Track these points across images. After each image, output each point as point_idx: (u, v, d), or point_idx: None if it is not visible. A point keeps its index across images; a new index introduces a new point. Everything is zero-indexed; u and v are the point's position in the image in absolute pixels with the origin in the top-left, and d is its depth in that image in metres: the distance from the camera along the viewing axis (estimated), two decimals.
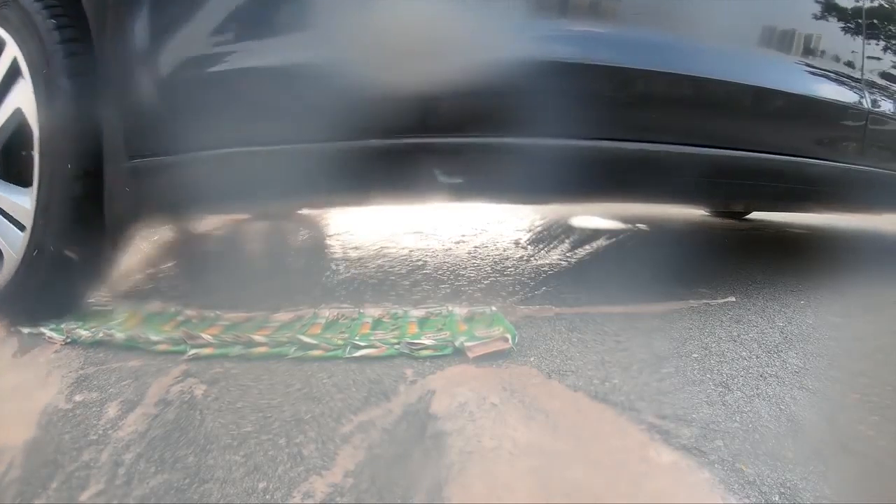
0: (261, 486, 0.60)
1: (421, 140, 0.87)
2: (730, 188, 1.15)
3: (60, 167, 0.88)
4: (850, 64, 1.27)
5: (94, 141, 0.87)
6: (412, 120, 0.84)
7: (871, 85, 1.30)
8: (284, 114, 0.83)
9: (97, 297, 1.08)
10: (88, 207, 0.89)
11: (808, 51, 1.19)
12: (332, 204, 1.51)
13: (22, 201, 0.95)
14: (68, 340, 0.90)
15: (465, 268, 1.34)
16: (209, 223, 2.02)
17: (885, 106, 1.35)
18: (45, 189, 0.89)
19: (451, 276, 1.27)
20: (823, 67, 1.21)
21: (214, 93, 0.82)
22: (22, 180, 0.96)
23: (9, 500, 0.59)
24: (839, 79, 1.24)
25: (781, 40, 1.15)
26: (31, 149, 0.91)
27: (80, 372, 0.81)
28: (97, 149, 0.87)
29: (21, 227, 0.95)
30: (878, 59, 1.34)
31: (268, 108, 0.83)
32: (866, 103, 1.28)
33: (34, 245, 0.91)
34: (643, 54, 0.94)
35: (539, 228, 1.92)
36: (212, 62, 0.82)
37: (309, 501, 0.58)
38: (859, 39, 1.28)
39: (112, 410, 0.72)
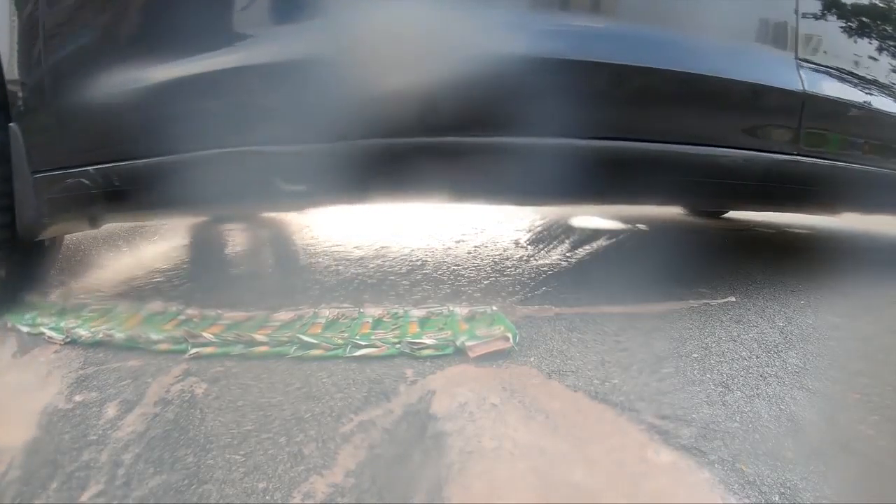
0: (260, 486, 0.60)
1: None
2: (645, 183, 1.02)
3: None
4: (782, 40, 1.08)
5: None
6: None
7: (808, 64, 1.11)
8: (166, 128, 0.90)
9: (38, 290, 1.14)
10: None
11: (730, 27, 1.03)
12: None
13: None
14: (68, 340, 0.90)
15: (465, 268, 1.34)
16: (208, 225, 2.02)
17: (826, 88, 1.14)
18: None
19: (451, 276, 1.27)
20: (749, 44, 1.05)
21: (97, 112, 0.93)
22: None
23: (9, 500, 0.59)
24: (768, 57, 1.07)
25: (695, 15, 1.00)
26: None
27: (80, 372, 0.81)
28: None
29: None
30: (815, 33, 1.14)
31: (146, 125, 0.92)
32: (802, 85, 1.08)
33: None
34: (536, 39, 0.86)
35: (539, 228, 1.92)
36: (96, 86, 0.91)
37: (309, 502, 0.58)
38: (791, 9, 1.09)
39: (112, 410, 0.72)
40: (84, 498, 0.59)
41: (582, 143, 0.91)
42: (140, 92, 0.88)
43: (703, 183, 1.06)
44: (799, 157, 1.11)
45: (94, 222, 1.09)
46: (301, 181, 0.89)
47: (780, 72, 1.07)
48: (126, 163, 0.92)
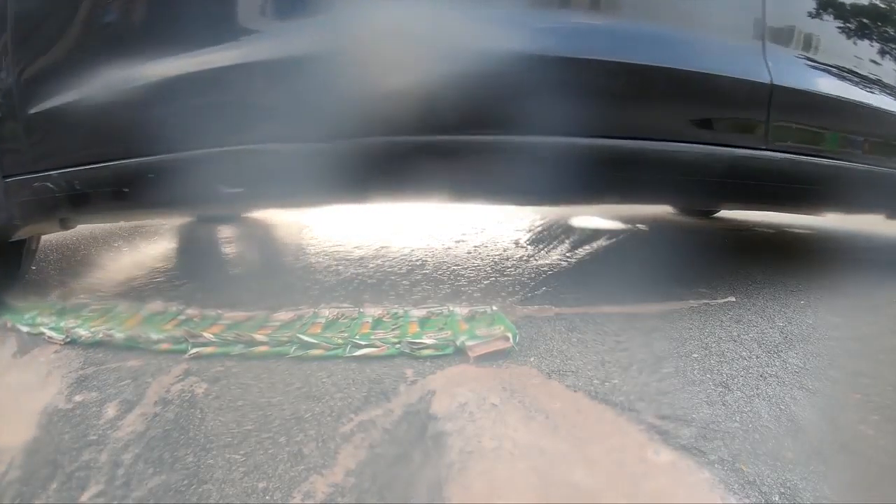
0: (260, 485, 0.60)
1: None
2: (608, 181, 0.98)
3: None
4: (747, 29, 1.02)
5: None
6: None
7: (776, 53, 1.04)
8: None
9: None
10: None
11: (690, 16, 0.98)
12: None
13: None
14: (68, 340, 0.90)
15: (465, 268, 1.34)
16: (208, 225, 2.02)
17: (795, 78, 1.06)
18: None
19: (451, 276, 1.27)
20: (710, 34, 0.99)
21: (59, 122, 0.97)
22: None
23: (8, 500, 0.59)
24: (732, 46, 1.01)
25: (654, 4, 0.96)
26: None
27: (80, 372, 0.81)
28: None
29: None
30: (784, 20, 1.07)
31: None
32: (769, 76, 1.01)
33: None
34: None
35: (539, 228, 1.92)
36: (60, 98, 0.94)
37: (309, 502, 0.58)
38: None
39: (112, 410, 0.72)
40: (84, 498, 0.59)
41: (536, 139, 0.89)
42: (94, 103, 0.93)
43: (667, 181, 1.01)
44: (769, 153, 1.04)
45: (64, 224, 1.12)
46: (276, 181, 0.90)
47: (745, 62, 1.01)
48: (83, 167, 0.96)
